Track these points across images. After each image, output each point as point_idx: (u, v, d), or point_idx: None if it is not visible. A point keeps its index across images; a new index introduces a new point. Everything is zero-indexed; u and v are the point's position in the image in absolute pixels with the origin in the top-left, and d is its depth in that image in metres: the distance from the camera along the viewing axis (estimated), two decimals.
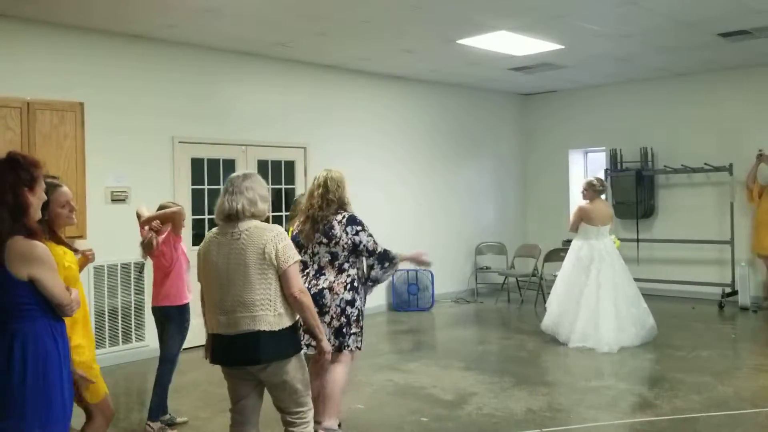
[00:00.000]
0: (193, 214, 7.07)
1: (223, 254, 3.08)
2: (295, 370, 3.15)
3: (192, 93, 7.06)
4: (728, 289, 8.73)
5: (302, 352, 3.29)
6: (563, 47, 7.50)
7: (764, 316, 8.13)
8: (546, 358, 6.41)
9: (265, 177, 7.54)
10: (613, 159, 9.98)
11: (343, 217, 4.10)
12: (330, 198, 4.10)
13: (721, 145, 9.04)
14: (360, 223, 4.12)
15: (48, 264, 2.58)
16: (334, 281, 4.05)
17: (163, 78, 6.83)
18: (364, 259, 4.17)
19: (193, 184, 7.07)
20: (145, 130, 6.68)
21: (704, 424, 4.47)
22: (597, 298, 6.62)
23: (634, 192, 9.59)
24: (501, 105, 10.85)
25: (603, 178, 7.00)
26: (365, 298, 4.27)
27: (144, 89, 6.68)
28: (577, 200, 10.74)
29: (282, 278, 3.06)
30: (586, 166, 10.97)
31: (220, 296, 3.08)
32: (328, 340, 3.89)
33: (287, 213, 7.84)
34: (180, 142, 6.94)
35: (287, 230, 5.29)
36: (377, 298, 8.56)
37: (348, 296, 4.06)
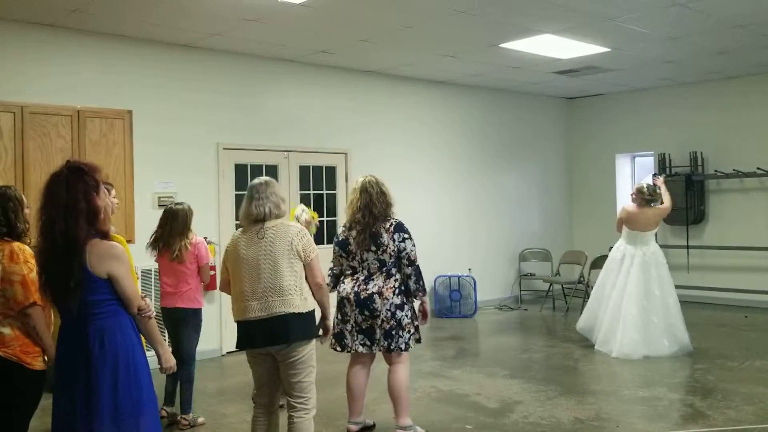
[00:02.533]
0: (236, 219, 7.14)
1: (253, 249, 3.47)
2: (310, 351, 3.51)
3: (236, 100, 7.16)
4: None
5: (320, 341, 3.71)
6: (609, 50, 7.36)
7: None
8: (593, 367, 6.27)
9: (306, 182, 7.73)
10: (662, 164, 9.75)
11: (391, 224, 4.24)
12: (377, 205, 4.24)
13: None
14: (406, 231, 4.27)
15: (125, 262, 2.77)
16: (383, 286, 4.21)
17: (209, 86, 6.94)
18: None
19: (236, 190, 7.16)
20: (190, 137, 6.80)
21: None
22: (620, 302, 6.49)
23: (683, 197, 9.34)
24: (545, 109, 10.71)
25: (651, 183, 6.83)
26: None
27: (190, 97, 6.80)
28: (624, 205, 10.58)
29: (307, 268, 3.51)
30: (633, 171, 10.74)
31: (252, 285, 3.45)
32: (378, 341, 4.23)
33: (329, 218, 7.90)
34: (224, 149, 7.04)
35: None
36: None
37: (397, 300, 4.22)
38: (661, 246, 7.24)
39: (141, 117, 6.21)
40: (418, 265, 4.28)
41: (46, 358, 3.16)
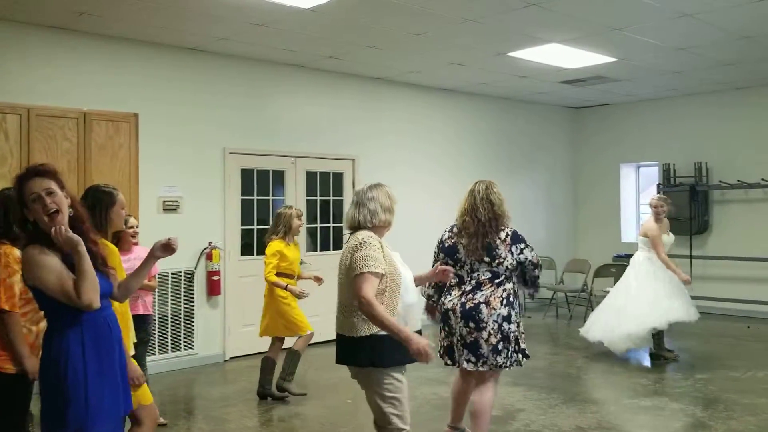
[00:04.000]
0: (242, 224, 7.18)
1: (342, 260, 3.22)
2: (376, 384, 3.11)
3: (243, 105, 7.19)
4: None
5: (398, 370, 3.16)
6: (616, 60, 7.38)
7: None
8: (595, 375, 6.27)
9: (313, 188, 7.75)
10: (666, 174, 9.76)
11: (507, 235, 4.00)
12: (493, 211, 4.01)
13: None
14: (523, 240, 4.04)
15: (38, 265, 2.53)
16: (491, 296, 3.94)
17: (215, 90, 6.98)
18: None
19: (242, 195, 7.19)
20: (197, 141, 6.83)
21: None
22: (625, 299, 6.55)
23: (687, 208, 9.35)
24: (552, 118, 10.73)
25: (657, 192, 6.88)
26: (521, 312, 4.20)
27: (196, 101, 6.84)
28: (628, 215, 10.57)
29: (352, 285, 3.07)
30: (638, 181, 10.74)
31: (338, 297, 3.26)
32: (486, 358, 3.90)
33: (334, 224, 7.92)
34: (231, 153, 7.07)
35: (267, 244, 5.47)
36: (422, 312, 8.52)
37: (504, 311, 3.94)
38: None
39: (147, 120, 6.25)
40: (540, 263, 4.12)
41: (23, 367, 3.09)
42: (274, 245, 5.42)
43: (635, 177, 10.76)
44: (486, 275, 3.97)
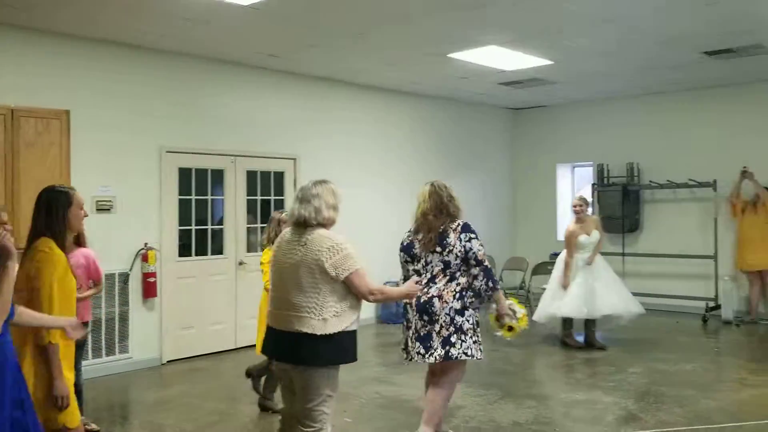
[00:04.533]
0: (180, 225, 7.03)
1: (288, 257, 3.29)
2: (322, 381, 3.18)
3: (181, 102, 7.04)
4: (712, 303, 8.81)
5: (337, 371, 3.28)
6: (552, 63, 7.57)
7: (747, 330, 8.20)
8: (533, 371, 6.42)
9: (253, 188, 7.66)
10: (600, 174, 10.06)
11: (458, 225, 4.13)
12: (444, 207, 4.14)
13: (706, 161, 9.14)
14: (473, 231, 4.14)
15: None
16: (444, 289, 4.05)
17: (152, 87, 6.80)
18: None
19: (180, 195, 7.04)
20: (131, 139, 6.64)
21: None
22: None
23: (620, 207, 9.67)
24: (492, 119, 10.92)
25: (591, 193, 7.28)
26: (479, 307, 4.22)
27: (132, 98, 6.65)
28: (564, 214, 10.85)
29: (349, 286, 3.21)
30: (573, 181, 11.04)
31: (279, 294, 3.31)
32: (435, 350, 4.02)
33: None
34: (167, 152, 6.90)
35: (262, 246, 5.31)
36: (366, 310, 8.52)
37: (457, 305, 4.04)
38: (599, 253, 7.46)
39: (80, 118, 6.04)
40: (487, 266, 4.10)
41: None
42: (268, 252, 5.20)
43: (571, 177, 11.06)
44: (438, 266, 4.08)
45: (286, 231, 3.42)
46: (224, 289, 7.32)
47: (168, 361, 6.85)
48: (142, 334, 6.67)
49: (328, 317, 3.16)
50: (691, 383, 5.78)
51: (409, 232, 4.30)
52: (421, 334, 4.06)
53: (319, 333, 3.14)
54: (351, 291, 3.23)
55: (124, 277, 6.52)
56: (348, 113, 8.73)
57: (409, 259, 4.20)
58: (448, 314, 4.01)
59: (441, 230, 4.09)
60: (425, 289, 4.06)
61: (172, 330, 6.90)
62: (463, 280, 4.09)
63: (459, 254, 4.05)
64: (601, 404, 5.26)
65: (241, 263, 7.44)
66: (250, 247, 7.57)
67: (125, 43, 6.53)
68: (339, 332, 3.19)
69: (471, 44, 6.75)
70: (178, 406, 5.39)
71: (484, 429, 4.68)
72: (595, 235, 7.21)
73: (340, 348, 3.22)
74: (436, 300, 4.02)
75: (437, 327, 4.02)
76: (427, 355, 4.03)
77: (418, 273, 4.13)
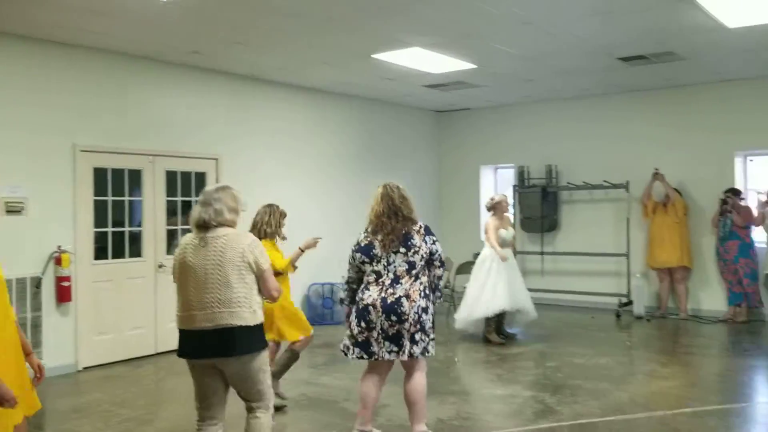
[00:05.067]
0: (95, 227, 6.78)
1: (201, 257, 3.40)
2: (261, 361, 3.49)
3: (96, 100, 6.79)
4: (624, 299, 9.21)
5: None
6: (475, 66, 7.73)
7: (657, 324, 8.62)
8: (455, 368, 6.53)
9: (173, 189, 7.48)
10: (521, 176, 10.35)
11: (420, 227, 4.26)
12: (402, 208, 4.25)
13: (620, 163, 9.55)
14: (434, 234, 4.31)
15: None
16: (410, 289, 4.15)
17: (65, 83, 6.53)
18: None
19: (96, 195, 6.79)
20: (43, 138, 6.36)
21: (603, 429, 4.69)
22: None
23: (539, 207, 9.98)
24: (418, 121, 11.05)
25: (512, 194, 7.55)
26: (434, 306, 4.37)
27: (45, 94, 6.37)
28: (486, 215, 11.10)
29: (260, 280, 3.47)
30: (496, 183, 11.31)
31: (197, 295, 3.38)
32: (405, 347, 4.14)
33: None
34: (82, 151, 6.64)
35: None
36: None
37: (423, 303, 4.18)
38: (519, 252, 7.73)
39: None
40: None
41: None
42: (268, 243, 5.15)
43: (494, 179, 11.33)
44: (403, 266, 4.17)
45: (189, 235, 3.55)
46: (143, 293, 7.11)
47: (84, 368, 6.60)
48: (56, 340, 6.40)
49: (255, 308, 3.43)
50: (605, 376, 6.03)
51: (366, 233, 4.34)
52: (390, 333, 4.13)
53: (252, 323, 3.40)
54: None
55: (37, 282, 6.24)
56: (273, 113, 8.65)
57: (367, 260, 4.23)
58: (417, 313, 4.13)
59: (404, 232, 4.19)
60: (390, 290, 4.13)
61: (87, 335, 6.66)
62: (424, 279, 4.24)
63: (424, 255, 4.19)
64: (520, 398, 5.42)
65: (160, 266, 7.24)
66: (171, 250, 7.39)
67: (36, 37, 6.25)
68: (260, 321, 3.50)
69: (395, 45, 6.81)
70: (94, 414, 5.20)
71: (407, 427, 4.70)
72: (512, 231, 7.65)
73: (263, 334, 3.51)
74: (404, 300, 4.11)
75: (407, 325, 4.12)
76: (400, 353, 4.16)
77: (378, 274, 4.19)
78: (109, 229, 6.91)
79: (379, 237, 4.22)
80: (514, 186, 10.38)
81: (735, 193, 8.51)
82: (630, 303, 9.14)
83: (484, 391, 5.67)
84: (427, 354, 4.25)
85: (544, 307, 8.69)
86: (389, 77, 8.36)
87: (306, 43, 6.73)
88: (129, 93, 7.07)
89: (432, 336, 4.26)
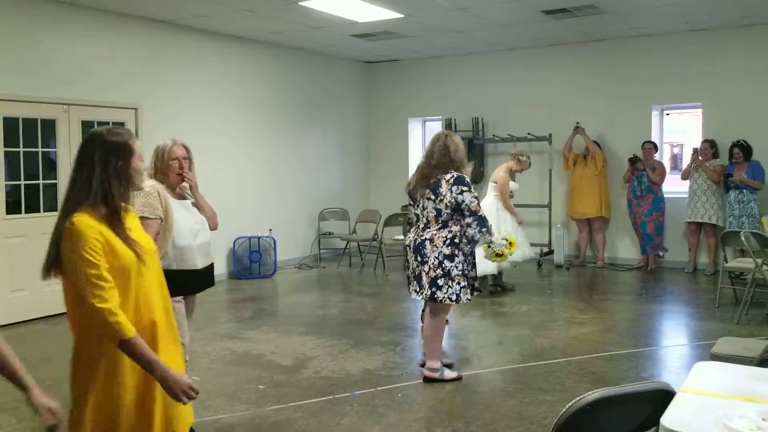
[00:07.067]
0: (7, 180, 6.43)
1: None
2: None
3: (4, 44, 6.36)
4: (545, 249, 9.53)
5: None
6: (403, 16, 7.64)
7: (576, 272, 8.99)
8: (384, 319, 6.64)
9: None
10: (448, 128, 10.41)
11: (452, 176, 4.40)
12: (435, 156, 4.45)
13: (543, 116, 9.75)
14: (466, 184, 4.40)
15: None
16: (436, 234, 4.41)
17: None
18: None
19: (6, 147, 6.42)
20: None
21: (524, 375, 4.89)
22: None
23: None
24: (345, 72, 10.89)
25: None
26: (469, 255, 4.51)
27: None
28: (414, 167, 11.14)
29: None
30: (424, 135, 11.35)
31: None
32: (424, 289, 4.45)
33: None
34: None
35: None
36: (217, 266, 8.39)
37: (447, 251, 4.39)
38: None
39: None
40: (481, 215, 4.37)
41: None
42: None
43: (422, 131, 11.36)
44: (432, 213, 4.44)
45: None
46: None
47: (0, 326, 6.35)
48: None
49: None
50: (527, 323, 6.26)
51: (413, 176, 4.65)
52: (416, 273, 4.52)
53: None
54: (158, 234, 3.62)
55: None
56: (196, 62, 8.33)
57: (411, 202, 4.61)
58: (437, 258, 4.39)
59: (435, 179, 4.40)
60: (420, 233, 4.48)
61: (1, 293, 6.38)
62: (455, 228, 4.42)
63: (449, 204, 4.37)
64: (445, 346, 5.55)
65: None
66: None
67: None
68: None
69: None
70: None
71: (335, 378, 4.81)
72: (517, 183, 7.71)
73: None
74: (428, 243, 4.42)
75: (426, 268, 4.43)
76: (419, 293, 4.51)
77: (417, 217, 4.55)
78: (22, 182, 6.57)
79: (416, 182, 4.55)
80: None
81: (652, 146, 8.85)
82: (551, 252, 9.46)
83: (412, 342, 5.79)
84: (453, 300, 4.45)
85: None
86: (317, 26, 8.17)
87: None
88: (39, 37, 6.65)
89: (463, 284, 4.46)
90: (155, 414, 2.24)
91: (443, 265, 4.40)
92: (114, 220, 2.22)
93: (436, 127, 11.09)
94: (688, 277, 8.47)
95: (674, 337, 6.11)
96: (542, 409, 4.16)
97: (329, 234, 10.26)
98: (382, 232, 9.32)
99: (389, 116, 11.18)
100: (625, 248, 9.38)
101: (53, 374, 5.01)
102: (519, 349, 5.49)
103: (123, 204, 2.28)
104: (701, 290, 7.72)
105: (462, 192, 4.36)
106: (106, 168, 2.22)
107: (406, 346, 5.64)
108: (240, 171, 8.95)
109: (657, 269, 8.87)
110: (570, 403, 1.67)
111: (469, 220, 4.37)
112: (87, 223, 2.14)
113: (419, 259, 4.46)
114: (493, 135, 10.07)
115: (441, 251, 4.39)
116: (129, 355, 2.14)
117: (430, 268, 4.42)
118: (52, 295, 6.77)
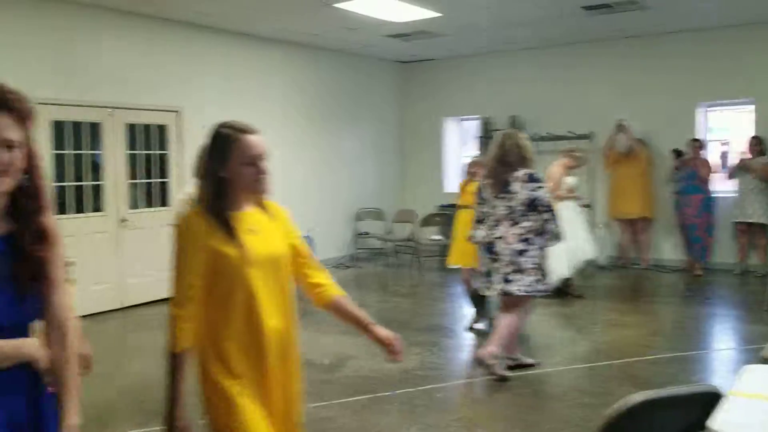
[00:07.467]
0: (56, 181, 6.61)
1: None
2: None
3: (53, 51, 6.53)
4: None
5: None
6: (441, 15, 7.61)
7: (618, 274, 8.82)
8: (420, 319, 6.62)
9: (133, 142, 7.30)
10: (486, 127, 10.33)
11: (524, 174, 4.48)
12: (509, 155, 4.52)
13: (584, 114, 9.58)
14: (539, 180, 4.52)
15: None
16: (507, 232, 4.50)
17: (21, 35, 6.25)
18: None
19: (55, 149, 6.60)
20: None
21: (566, 378, 4.82)
22: None
23: None
24: (381, 72, 10.91)
25: (477, 145, 7.36)
26: (545, 249, 4.58)
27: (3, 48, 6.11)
28: (450, 167, 11.09)
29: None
30: (460, 134, 11.29)
31: None
32: (496, 284, 4.55)
33: (162, 180, 7.56)
34: (39, 104, 6.35)
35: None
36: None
37: (519, 246, 4.48)
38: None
39: None
40: (554, 211, 4.52)
41: None
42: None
43: (458, 130, 11.30)
44: (503, 211, 4.54)
45: None
46: (105, 248, 7.00)
47: None
48: None
49: None
50: (569, 326, 6.17)
51: (484, 176, 4.77)
52: (489, 270, 4.64)
53: None
54: None
55: None
56: (236, 65, 8.44)
57: (481, 201, 4.70)
58: (510, 254, 4.47)
59: (507, 178, 4.49)
60: (491, 231, 4.58)
61: None
62: (527, 224, 4.49)
63: (523, 201, 4.46)
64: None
65: (123, 220, 7.13)
66: (133, 203, 7.27)
67: None
68: None
69: None
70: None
71: (374, 377, 4.81)
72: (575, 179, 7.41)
73: None
74: (499, 241, 4.52)
75: (497, 265, 4.54)
76: (489, 289, 4.65)
77: (487, 215, 4.62)
78: (66, 184, 6.74)
79: (489, 182, 4.63)
80: (479, 137, 10.36)
81: (699, 143, 8.62)
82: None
83: (450, 343, 5.76)
84: (529, 293, 4.50)
85: None
86: (351, 27, 8.19)
87: None
88: (85, 44, 6.81)
89: (537, 276, 4.51)
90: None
91: (515, 261, 4.48)
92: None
93: (472, 126, 11.02)
94: (737, 279, 8.23)
95: (721, 341, 5.96)
96: (585, 412, 4.09)
97: (365, 234, 10.27)
98: (420, 232, 9.30)
99: (424, 116, 11.15)
100: (671, 249, 9.16)
101: (100, 371, 5.14)
102: (561, 351, 5.41)
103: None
104: (749, 292, 7.50)
105: (536, 189, 4.48)
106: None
107: (443, 347, 5.61)
108: (284, 171, 9.02)
109: (704, 271, 8.61)
110: (615, 405, 1.63)
111: (546, 215, 4.48)
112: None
113: (490, 256, 4.58)
114: (535, 133, 9.95)
115: (513, 248, 4.48)
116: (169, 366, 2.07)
117: (501, 266, 4.51)
118: (98, 294, 6.95)
